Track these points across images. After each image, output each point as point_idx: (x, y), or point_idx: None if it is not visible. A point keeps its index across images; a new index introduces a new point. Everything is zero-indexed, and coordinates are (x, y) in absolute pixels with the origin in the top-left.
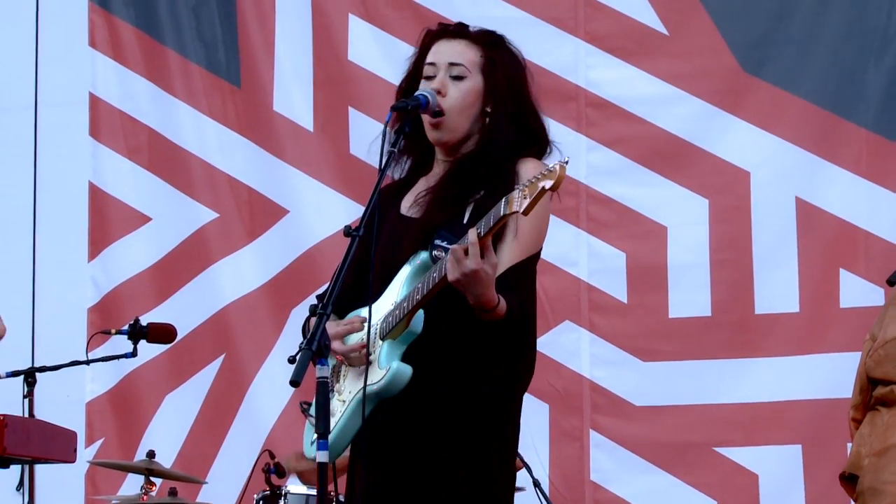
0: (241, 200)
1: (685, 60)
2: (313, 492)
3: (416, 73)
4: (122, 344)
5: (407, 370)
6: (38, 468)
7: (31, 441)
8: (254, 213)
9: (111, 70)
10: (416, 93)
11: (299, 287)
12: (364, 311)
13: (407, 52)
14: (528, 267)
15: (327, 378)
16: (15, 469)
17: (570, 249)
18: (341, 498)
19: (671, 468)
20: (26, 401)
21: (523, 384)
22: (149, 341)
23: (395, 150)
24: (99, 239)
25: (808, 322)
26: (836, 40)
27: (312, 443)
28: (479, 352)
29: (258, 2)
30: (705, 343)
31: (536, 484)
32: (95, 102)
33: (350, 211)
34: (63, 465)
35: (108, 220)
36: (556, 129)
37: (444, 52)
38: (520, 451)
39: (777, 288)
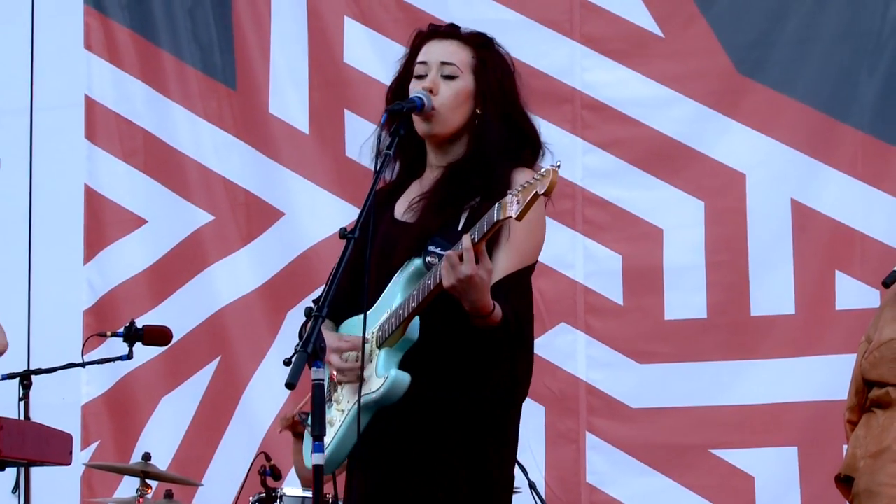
0: (236, 203)
1: (681, 62)
2: (308, 494)
3: (406, 73)
4: (117, 346)
5: (405, 378)
6: (34, 471)
7: (27, 444)
8: (249, 216)
9: (107, 73)
10: (411, 95)
11: (295, 289)
12: (359, 318)
13: (402, 54)
14: (524, 276)
15: (323, 380)
16: (10, 472)
17: (566, 252)
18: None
19: (667, 470)
20: (22, 403)
21: (522, 389)
22: (144, 344)
23: (391, 152)
24: (95, 241)
25: (803, 324)
26: (832, 42)
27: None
28: (476, 357)
29: (254, 4)
30: (701, 345)
31: (532, 486)
32: (91, 105)
33: (346, 213)
34: (59, 467)
35: (103, 223)
36: (551, 132)
37: (436, 51)
38: None
39: (773, 290)
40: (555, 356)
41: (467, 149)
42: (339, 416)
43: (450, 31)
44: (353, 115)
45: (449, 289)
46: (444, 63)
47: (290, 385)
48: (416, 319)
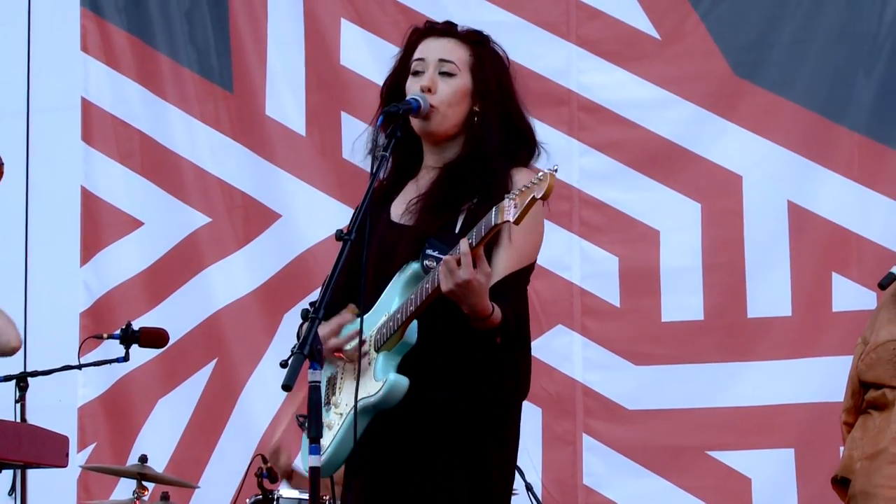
0: (233, 205)
1: (677, 65)
2: (305, 496)
3: (402, 70)
4: (114, 348)
5: (403, 381)
6: (30, 473)
7: (23, 446)
8: (246, 218)
9: (103, 75)
10: (408, 97)
11: (292, 291)
12: (357, 319)
13: (398, 51)
14: (522, 277)
15: (319, 382)
16: (7, 474)
17: (562, 253)
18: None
19: (664, 472)
20: (18, 405)
21: (522, 390)
22: (141, 346)
23: (387, 153)
24: (91, 243)
25: (800, 326)
26: (828, 44)
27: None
28: (475, 358)
29: (250, 6)
30: (698, 347)
31: (529, 488)
32: (88, 107)
33: (343, 215)
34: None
35: (100, 225)
36: (547, 133)
37: (434, 48)
38: None
39: (769, 292)
40: (551, 358)
41: (464, 148)
42: (338, 419)
43: (446, 29)
44: (349, 118)
45: (447, 293)
46: (441, 60)
47: (286, 387)
48: (414, 323)
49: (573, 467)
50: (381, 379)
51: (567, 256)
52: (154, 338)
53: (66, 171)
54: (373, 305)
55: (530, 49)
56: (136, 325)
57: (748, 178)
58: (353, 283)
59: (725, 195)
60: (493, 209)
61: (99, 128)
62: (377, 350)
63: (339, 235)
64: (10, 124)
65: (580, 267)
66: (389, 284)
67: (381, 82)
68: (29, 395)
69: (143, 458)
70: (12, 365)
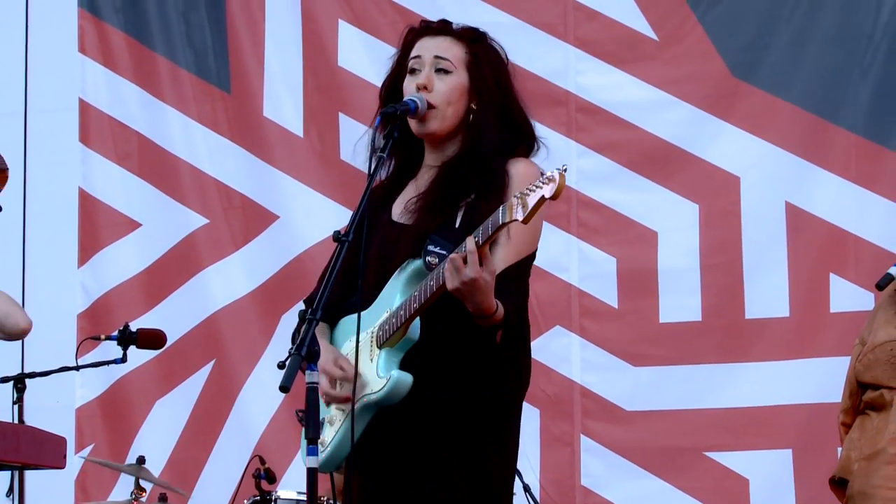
0: (231, 206)
1: (675, 66)
2: (303, 497)
3: (399, 70)
4: (111, 350)
5: (407, 378)
6: (28, 474)
7: (21, 447)
8: (244, 219)
9: (101, 76)
10: (405, 98)
11: (289, 292)
12: (355, 317)
13: (395, 51)
14: (523, 268)
15: (316, 383)
16: (4, 475)
17: (560, 255)
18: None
19: (662, 473)
20: (16, 406)
21: (522, 386)
22: (138, 347)
23: (385, 154)
24: (89, 245)
25: (798, 327)
26: (825, 45)
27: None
28: (477, 356)
29: (248, 7)
30: (696, 348)
31: (527, 489)
32: (85, 108)
33: (340, 216)
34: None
35: (97, 226)
36: (545, 134)
37: (430, 46)
38: None
39: (767, 292)
40: (549, 359)
41: (462, 146)
42: (340, 415)
43: (442, 28)
44: (347, 119)
45: (453, 291)
46: (437, 58)
47: (284, 388)
48: (417, 320)
49: (571, 468)
50: (384, 376)
51: (565, 257)
52: (152, 339)
53: (63, 172)
54: (373, 304)
55: (528, 50)
56: (133, 327)
57: (746, 179)
58: (353, 284)
59: (723, 196)
60: (501, 208)
61: (96, 129)
62: (379, 347)
63: (336, 237)
64: (7, 125)
65: (578, 268)
66: (390, 281)
67: (378, 83)
68: (27, 396)
69: (141, 460)
70: (10, 366)
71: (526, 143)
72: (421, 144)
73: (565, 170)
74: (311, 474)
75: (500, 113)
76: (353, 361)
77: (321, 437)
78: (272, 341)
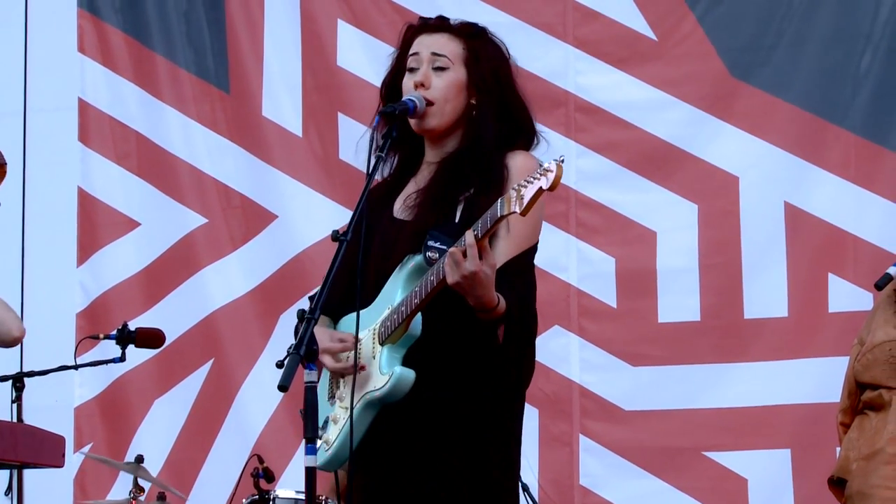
0: (229, 206)
1: (674, 66)
2: (301, 496)
3: (399, 68)
4: (110, 349)
5: (410, 374)
6: (27, 473)
7: (20, 446)
8: (242, 219)
9: (100, 75)
10: (404, 97)
11: (288, 292)
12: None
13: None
14: (525, 260)
15: (315, 383)
16: (3, 474)
17: (559, 254)
18: (330, 502)
19: (661, 473)
20: (15, 405)
21: (524, 384)
22: (137, 346)
23: (383, 154)
24: (88, 244)
25: (796, 326)
26: (824, 45)
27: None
28: (479, 354)
29: (247, 7)
30: (694, 348)
31: (525, 488)
32: (85, 108)
33: (339, 216)
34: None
35: (96, 226)
36: (544, 135)
37: (427, 44)
38: None
39: (766, 292)
40: (548, 359)
41: (462, 142)
42: (344, 413)
43: (440, 24)
44: (346, 119)
45: (453, 285)
46: (434, 55)
47: (282, 387)
48: (419, 316)
49: (570, 468)
50: (387, 372)
51: (564, 257)
52: (150, 338)
53: (62, 171)
54: (374, 301)
55: (527, 50)
56: (132, 326)
57: (745, 179)
58: (354, 282)
59: (722, 196)
60: (499, 200)
61: (96, 128)
62: (381, 343)
63: (335, 236)
64: (7, 125)
65: (577, 268)
66: (391, 278)
67: (377, 83)
68: (25, 395)
69: (140, 459)
70: (9, 365)
71: (526, 137)
72: (421, 141)
73: (562, 160)
74: (310, 473)
75: (499, 108)
76: (353, 362)
77: (325, 435)
78: (271, 340)
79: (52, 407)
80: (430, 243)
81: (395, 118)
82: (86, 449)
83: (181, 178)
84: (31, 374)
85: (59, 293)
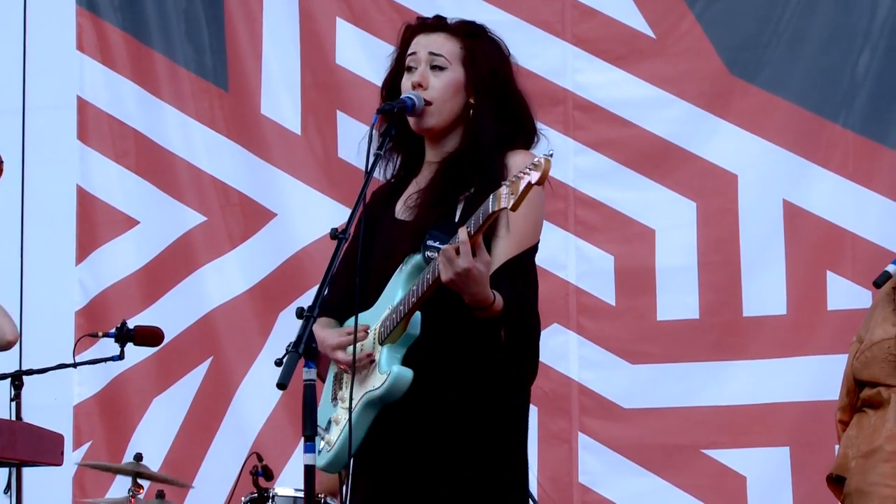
0: (228, 204)
1: (672, 63)
2: (300, 494)
3: (398, 68)
4: (109, 347)
5: (408, 374)
6: (26, 471)
7: (18, 444)
8: (241, 217)
9: (99, 73)
10: (402, 95)
11: (287, 290)
12: (362, 317)
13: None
14: (525, 259)
15: (314, 381)
16: (2, 472)
17: (558, 252)
18: (329, 501)
19: (659, 470)
20: (13, 404)
21: (526, 383)
22: (136, 344)
23: (382, 153)
24: (86, 242)
25: (795, 324)
26: (822, 43)
27: (319, 451)
28: (479, 354)
29: (246, 5)
30: (693, 345)
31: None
32: (83, 106)
33: (338, 214)
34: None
35: (95, 224)
36: (543, 132)
37: (424, 43)
38: None
39: (764, 290)
40: (547, 356)
41: (462, 141)
42: (345, 413)
43: (437, 24)
44: (345, 117)
45: (447, 283)
46: (432, 54)
47: (281, 385)
48: (418, 315)
49: (569, 466)
50: (385, 371)
51: (562, 255)
52: (149, 336)
53: (61, 169)
54: (376, 302)
55: (525, 48)
56: (131, 324)
57: (743, 177)
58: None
59: (720, 194)
60: (490, 197)
61: (95, 126)
62: (381, 343)
63: (334, 234)
64: (5, 123)
65: (576, 266)
66: (392, 278)
67: (376, 82)
68: (24, 393)
69: (139, 457)
70: (7, 363)
71: (526, 136)
72: (422, 142)
73: (551, 155)
74: (309, 471)
75: (498, 106)
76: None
77: (328, 436)
78: (269, 339)
79: (51, 405)
80: (430, 243)
81: (393, 116)
82: (83, 452)
83: (180, 177)
84: (30, 372)
85: (57, 291)
